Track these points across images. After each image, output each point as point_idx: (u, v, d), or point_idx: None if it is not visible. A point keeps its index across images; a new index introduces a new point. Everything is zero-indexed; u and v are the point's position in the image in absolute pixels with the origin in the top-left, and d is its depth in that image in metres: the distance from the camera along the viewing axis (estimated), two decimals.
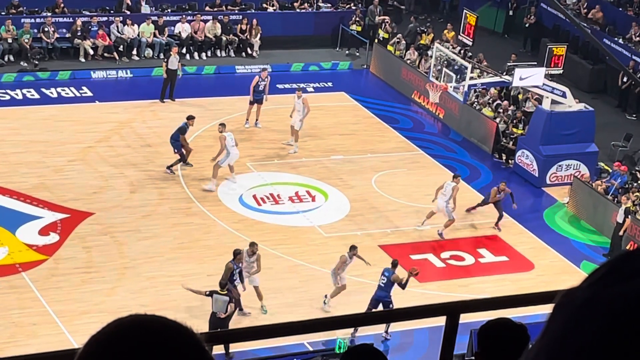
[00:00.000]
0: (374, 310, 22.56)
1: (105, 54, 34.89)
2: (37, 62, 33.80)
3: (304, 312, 22.47)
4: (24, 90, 32.22)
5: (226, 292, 21.36)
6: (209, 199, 27.19)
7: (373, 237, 26.10)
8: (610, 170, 29.78)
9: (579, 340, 1.61)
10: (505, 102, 32.30)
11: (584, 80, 36.36)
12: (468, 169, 30.67)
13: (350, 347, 4.55)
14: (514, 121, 31.69)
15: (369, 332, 22.33)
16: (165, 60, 32.51)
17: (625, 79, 35.28)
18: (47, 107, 31.31)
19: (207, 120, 31.07)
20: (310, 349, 20.91)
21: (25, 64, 33.73)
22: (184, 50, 35.47)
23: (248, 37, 36.64)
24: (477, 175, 30.51)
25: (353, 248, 23.41)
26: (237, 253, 22.36)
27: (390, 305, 22.54)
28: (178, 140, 27.87)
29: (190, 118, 28.04)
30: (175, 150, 27.94)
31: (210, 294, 21.47)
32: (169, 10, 36.78)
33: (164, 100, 32.20)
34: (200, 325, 20.50)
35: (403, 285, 22.66)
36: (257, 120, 31.27)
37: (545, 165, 29.99)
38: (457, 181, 27.03)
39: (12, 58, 33.90)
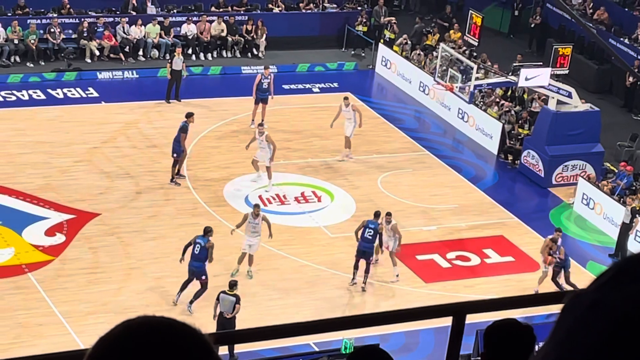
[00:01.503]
0: (360, 262, 23.83)
1: (111, 55, 34.91)
2: (70, 62, 33.86)
3: (310, 313, 22.49)
4: (30, 91, 32.24)
5: (234, 292, 21.41)
6: (214, 200, 27.19)
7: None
8: (616, 171, 29.76)
9: (586, 342, 1.62)
10: (507, 103, 32.26)
11: (589, 80, 36.32)
12: (474, 170, 30.65)
13: (357, 348, 4.56)
14: (520, 121, 31.66)
15: (375, 332, 22.32)
16: (170, 61, 32.52)
17: (631, 79, 35.24)
18: (53, 108, 31.33)
19: (212, 121, 31.09)
20: (316, 349, 20.91)
21: (31, 64, 33.80)
22: (189, 51, 35.49)
23: (254, 37, 36.65)
24: (483, 175, 30.49)
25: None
26: (208, 230, 22.93)
27: (371, 258, 23.92)
28: (179, 141, 27.57)
29: (189, 115, 27.84)
30: (174, 155, 27.60)
31: (217, 295, 21.52)
32: (175, 10, 36.80)
33: (170, 100, 32.22)
34: (207, 325, 20.53)
35: (380, 239, 24.05)
36: (262, 120, 31.25)
37: (551, 166, 29.97)
38: (557, 235, 25.22)
39: (18, 59, 33.94)
